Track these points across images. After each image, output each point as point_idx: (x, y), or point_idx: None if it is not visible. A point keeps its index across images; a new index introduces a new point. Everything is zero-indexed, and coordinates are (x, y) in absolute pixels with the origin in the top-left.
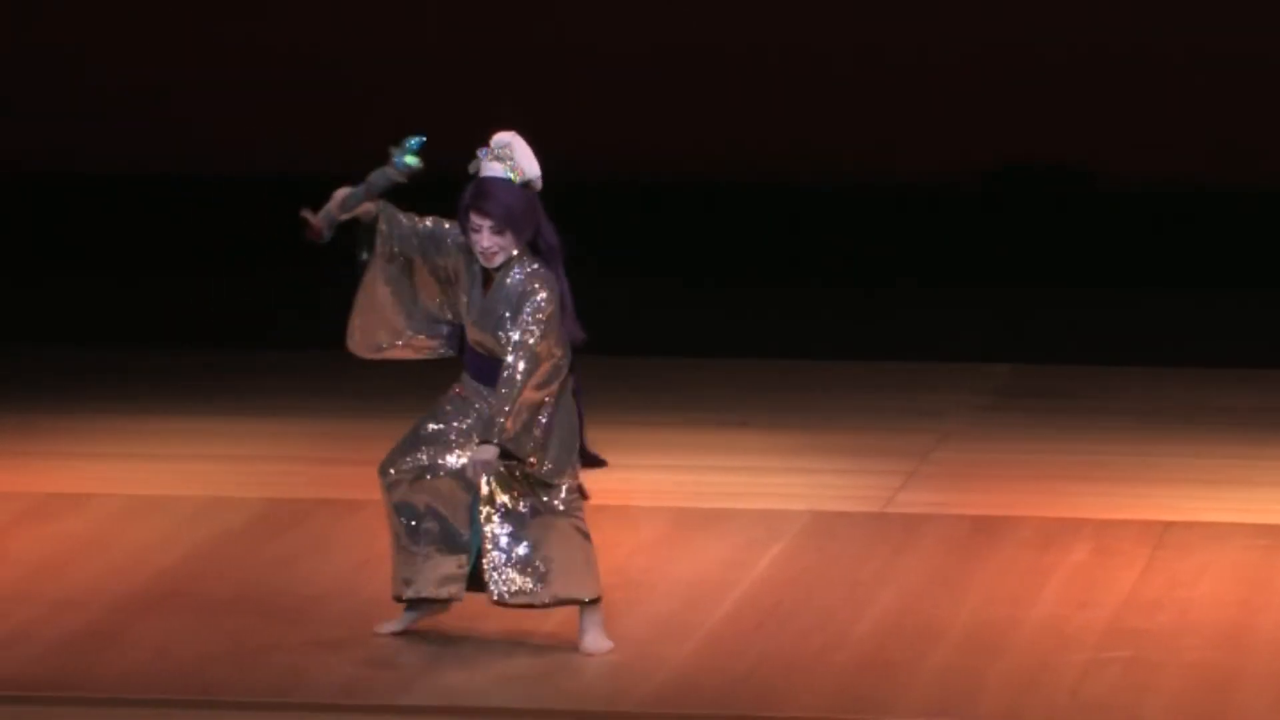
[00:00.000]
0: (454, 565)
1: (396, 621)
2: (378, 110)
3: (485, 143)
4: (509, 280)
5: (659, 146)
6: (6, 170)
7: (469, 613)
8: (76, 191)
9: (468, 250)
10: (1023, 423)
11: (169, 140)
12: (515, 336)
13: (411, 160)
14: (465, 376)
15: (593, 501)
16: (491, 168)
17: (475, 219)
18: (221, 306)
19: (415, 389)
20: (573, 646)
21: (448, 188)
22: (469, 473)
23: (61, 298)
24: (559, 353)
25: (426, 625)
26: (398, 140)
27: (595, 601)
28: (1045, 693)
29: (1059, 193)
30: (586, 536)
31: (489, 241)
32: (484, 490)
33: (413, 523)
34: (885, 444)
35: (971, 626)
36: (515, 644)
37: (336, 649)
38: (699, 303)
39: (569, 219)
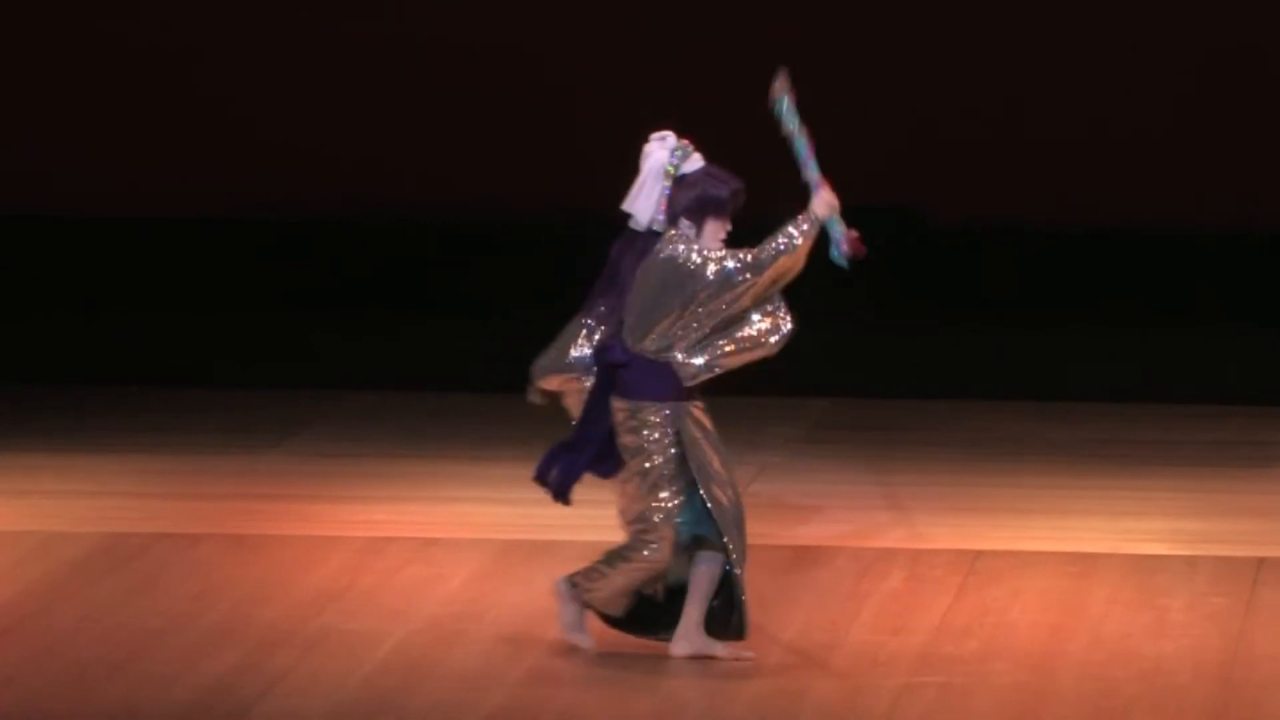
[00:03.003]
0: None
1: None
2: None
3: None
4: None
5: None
6: None
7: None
8: None
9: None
10: (841, 455)
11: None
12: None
13: None
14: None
15: (422, 535)
16: (697, 159)
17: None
18: (56, 343)
19: (245, 426)
20: None
21: None
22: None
23: None
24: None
25: None
26: None
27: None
28: (861, 717)
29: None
30: None
31: None
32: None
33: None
34: None
35: (789, 653)
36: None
37: (174, 679)
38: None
39: None
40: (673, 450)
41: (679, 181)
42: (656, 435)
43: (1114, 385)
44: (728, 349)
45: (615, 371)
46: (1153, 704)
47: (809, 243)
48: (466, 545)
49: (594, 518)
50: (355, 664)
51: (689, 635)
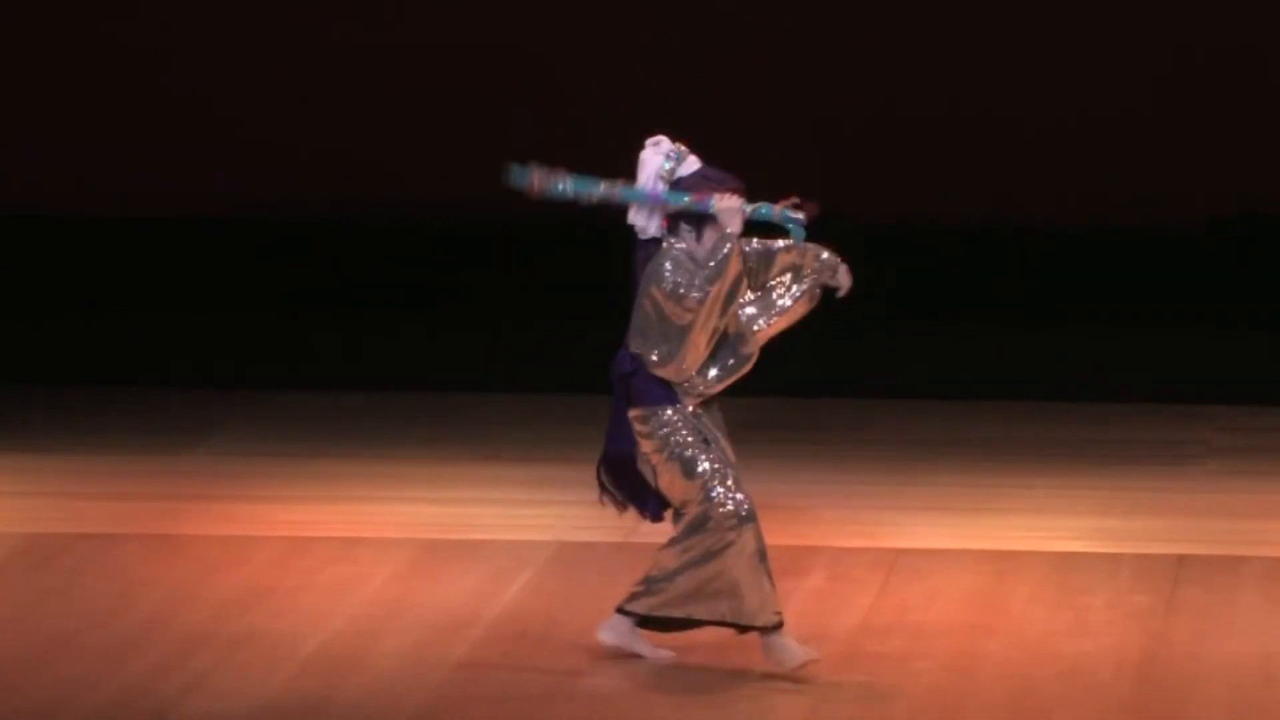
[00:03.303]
0: None
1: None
2: None
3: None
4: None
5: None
6: None
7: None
8: None
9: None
10: (761, 455)
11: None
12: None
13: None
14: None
15: (346, 534)
16: (693, 161)
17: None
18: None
19: (168, 426)
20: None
21: None
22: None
23: None
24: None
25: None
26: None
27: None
28: (783, 716)
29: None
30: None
31: None
32: None
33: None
34: None
35: (711, 652)
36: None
37: (95, 679)
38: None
39: None
40: (691, 435)
41: (675, 185)
42: (674, 430)
43: (1050, 383)
44: (722, 371)
45: (627, 381)
46: (1074, 703)
47: (737, 259)
48: (391, 545)
49: (520, 517)
50: (278, 664)
51: (616, 627)
